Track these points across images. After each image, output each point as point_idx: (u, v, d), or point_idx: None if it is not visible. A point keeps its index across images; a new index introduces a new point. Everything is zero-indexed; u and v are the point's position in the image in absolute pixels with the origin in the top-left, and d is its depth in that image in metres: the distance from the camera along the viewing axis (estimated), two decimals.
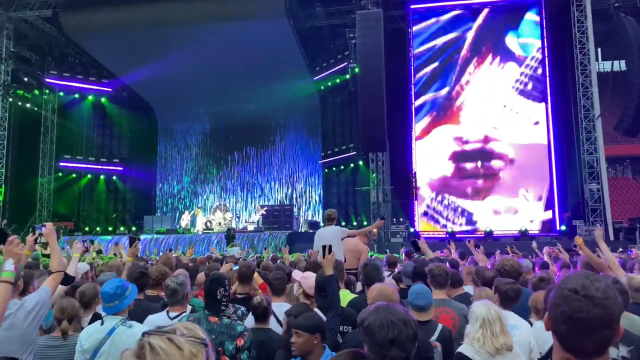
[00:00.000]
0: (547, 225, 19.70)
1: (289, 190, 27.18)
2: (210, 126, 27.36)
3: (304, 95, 24.51)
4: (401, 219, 20.59)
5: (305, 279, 3.94)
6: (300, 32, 21.44)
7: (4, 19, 21.60)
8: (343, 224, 23.60)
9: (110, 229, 25.40)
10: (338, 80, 23.86)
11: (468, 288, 4.81)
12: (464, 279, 5.02)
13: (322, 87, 24.80)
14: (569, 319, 1.36)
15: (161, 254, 10.38)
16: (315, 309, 3.57)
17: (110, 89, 26.44)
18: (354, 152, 23.18)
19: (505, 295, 3.62)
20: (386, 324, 1.80)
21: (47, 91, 25.35)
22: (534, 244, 10.85)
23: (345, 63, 22.23)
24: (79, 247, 4.59)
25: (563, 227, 19.37)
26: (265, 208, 23.70)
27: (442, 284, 4.05)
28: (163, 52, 21.50)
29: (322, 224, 21.98)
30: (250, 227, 22.88)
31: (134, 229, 24.04)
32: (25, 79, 24.32)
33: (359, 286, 5.31)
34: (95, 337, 3.19)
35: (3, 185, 22.56)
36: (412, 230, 20.07)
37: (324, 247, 3.64)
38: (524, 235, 18.60)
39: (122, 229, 25.26)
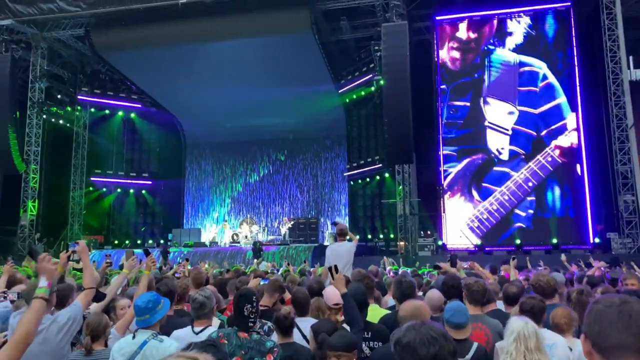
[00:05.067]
0: (580, 237, 19.19)
1: (315, 203, 27.15)
2: (237, 140, 27.53)
3: (330, 108, 24.51)
4: (429, 232, 20.33)
5: (326, 293, 3.97)
6: (326, 45, 21.49)
7: (38, 38, 22.27)
8: (369, 237, 23.52)
9: (139, 242, 25.77)
10: (363, 93, 23.82)
11: (499, 305, 4.70)
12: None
13: (347, 100, 24.78)
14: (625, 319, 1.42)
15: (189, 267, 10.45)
16: (345, 325, 3.59)
17: (139, 105, 26.99)
18: (380, 165, 23.06)
19: (530, 313, 3.49)
20: (427, 340, 1.74)
21: (79, 108, 25.96)
22: (563, 257, 10.50)
23: (371, 75, 22.18)
24: (133, 263, 4.52)
25: (597, 240, 18.85)
26: (292, 222, 23.69)
27: (479, 300, 3.93)
28: (190, 68, 21.85)
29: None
30: (277, 241, 22.89)
31: (162, 241, 24.32)
32: (59, 96, 24.97)
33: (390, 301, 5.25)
34: (127, 350, 3.23)
35: (37, 200, 23.12)
36: (440, 243, 19.78)
37: (330, 268, 3.69)
38: (555, 248, 18.15)
39: (150, 242, 25.61)
